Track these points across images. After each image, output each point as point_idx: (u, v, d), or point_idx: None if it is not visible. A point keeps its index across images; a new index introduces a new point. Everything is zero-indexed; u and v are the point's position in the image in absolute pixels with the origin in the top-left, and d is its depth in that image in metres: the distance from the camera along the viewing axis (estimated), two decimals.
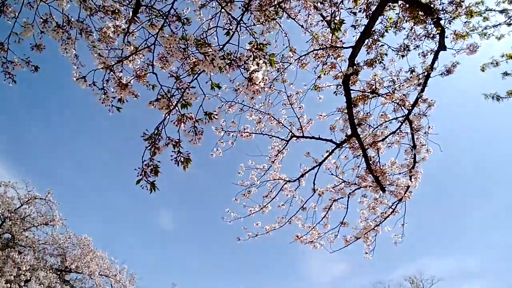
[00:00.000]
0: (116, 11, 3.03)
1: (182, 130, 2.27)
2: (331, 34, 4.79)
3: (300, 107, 5.67)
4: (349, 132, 5.12)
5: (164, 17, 2.64)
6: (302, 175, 5.78)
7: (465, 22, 4.37)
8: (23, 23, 2.37)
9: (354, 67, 4.67)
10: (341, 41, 4.91)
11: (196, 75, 2.50)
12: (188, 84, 2.40)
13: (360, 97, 4.95)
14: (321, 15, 3.81)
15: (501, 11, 6.11)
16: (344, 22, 3.37)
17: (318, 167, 5.60)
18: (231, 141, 5.65)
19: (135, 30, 2.92)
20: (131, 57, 3.00)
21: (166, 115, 2.32)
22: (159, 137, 2.33)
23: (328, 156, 5.52)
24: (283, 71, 5.19)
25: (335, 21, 2.94)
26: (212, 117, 2.31)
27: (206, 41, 2.42)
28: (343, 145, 5.40)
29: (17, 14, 2.32)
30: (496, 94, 5.46)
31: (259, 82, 2.12)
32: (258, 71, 2.14)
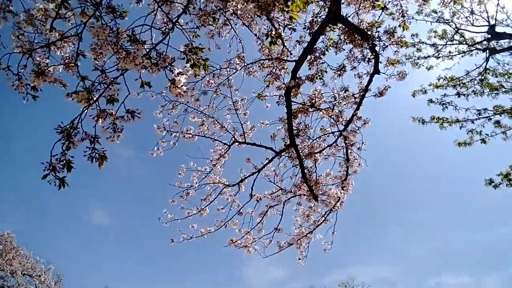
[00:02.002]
0: None
1: (99, 126, 2.20)
2: (281, 46, 4.97)
3: (245, 113, 5.77)
4: (288, 142, 5.32)
5: (96, 7, 2.56)
6: (242, 180, 5.87)
7: (395, 51, 4.79)
8: None
9: (296, 80, 4.89)
10: (291, 53, 5.12)
11: (123, 71, 2.45)
12: (113, 79, 2.34)
13: (301, 109, 5.17)
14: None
15: (432, 45, 6.80)
16: (282, 36, 3.52)
17: (257, 173, 5.72)
18: (173, 141, 5.57)
19: (65, 17, 2.79)
20: (59, 43, 2.85)
21: (85, 109, 2.23)
22: (75, 131, 2.24)
23: (267, 163, 5.66)
24: (229, 77, 5.25)
25: (272, 34, 3.05)
26: (135, 115, 2.28)
27: (138, 38, 2.38)
28: (283, 154, 5.58)
29: None
30: (422, 118, 6.02)
31: (181, 85, 2.13)
32: (182, 74, 2.16)
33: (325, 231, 6.12)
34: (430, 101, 6.34)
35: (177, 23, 2.68)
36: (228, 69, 5.17)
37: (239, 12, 3.20)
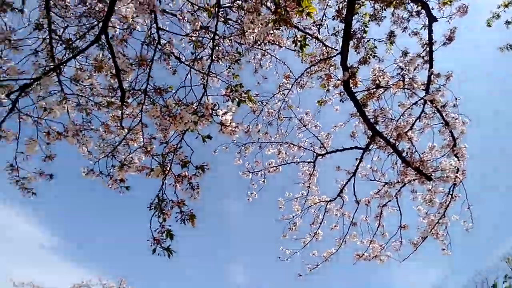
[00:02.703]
0: (110, 103, 3.36)
1: (179, 190, 2.38)
2: (322, 48, 4.85)
3: (315, 126, 5.62)
4: (370, 133, 4.93)
5: (145, 93, 2.89)
6: (341, 190, 5.56)
7: None
8: (26, 141, 2.73)
9: (349, 70, 4.62)
10: (332, 48, 4.94)
11: (183, 133, 2.64)
12: (175, 145, 2.54)
13: (367, 96, 4.81)
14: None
15: None
16: (307, 37, 3.43)
17: (353, 177, 5.37)
18: (261, 180, 5.68)
19: (127, 114, 3.20)
20: (134, 136, 3.28)
21: (163, 180, 2.45)
22: (165, 203, 2.44)
23: (359, 163, 5.29)
24: (285, 99, 5.27)
25: (297, 39, 3.00)
26: (204, 169, 2.40)
27: (183, 101, 2.59)
28: (371, 148, 5.17)
29: (18, 135, 2.68)
30: (509, 44, 5.03)
31: (231, 123, 2.19)
32: (227, 113, 2.23)
33: (458, 210, 5.28)
34: (508, 22, 5.25)
35: (210, 73, 2.85)
36: (280, 92, 5.21)
37: (261, 36, 3.26)
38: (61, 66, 3.09)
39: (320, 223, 5.72)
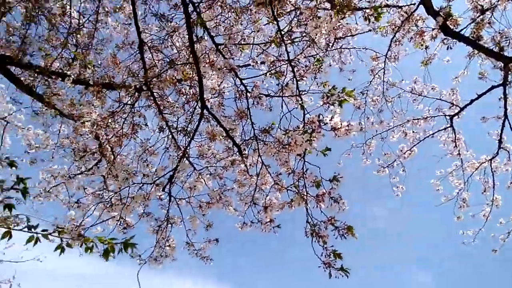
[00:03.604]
0: (233, 162, 3.71)
1: (325, 209, 2.38)
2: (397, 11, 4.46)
3: (433, 88, 4.96)
4: (501, 64, 4.06)
5: (255, 139, 3.11)
6: (500, 141, 4.59)
7: None
8: (189, 219, 3.21)
9: (441, 12, 4.04)
10: (413, 4, 4.47)
11: (302, 158, 2.69)
12: (301, 171, 2.60)
13: (476, 27, 4.07)
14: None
15: None
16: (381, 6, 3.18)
17: (505, 120, 4.40)
18: (401, 170, 5.20)
19: (250, 164, 3.46)
20: (263, 180, 3.52)
21: (306, 206, 2.49)
22: (317, 227, 2.47)
23: (506, 102, 4.35)
24: (383, 79, 4.88)
25: (369, 14, 2.83)
26: (338, 179, 2.37)
27: (290, 128, 2.68)
28: (510, 79, 4.23)
29: (182, 217, 3.17)
30: None
31: (341, 124, 2.15)
32: (333, 117, 2.20)
33: None
34: None
35: (301, 92, 2.92)
36: (376, 76, 4.87)
37: (330, 35, 3.21)
38: (187, 150, 3.64)
39: (494, 187, 4.77)
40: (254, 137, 3.24)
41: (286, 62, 3.17)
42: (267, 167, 3.20)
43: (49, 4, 3.58)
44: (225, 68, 3.19)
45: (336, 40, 4.51)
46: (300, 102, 2.90)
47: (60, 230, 1.72)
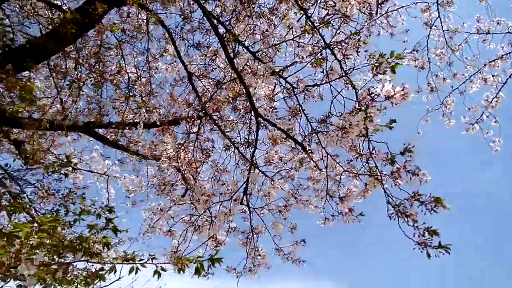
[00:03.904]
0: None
1: (404, 185, 2.18)
2: None
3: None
4: None
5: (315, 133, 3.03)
6: None
7: None
8: None
9: None
10: None
11: (366, 136, 2.54)
12: (368, 151, 2.44)
13: None
14: None
15: None
16: None
17: None
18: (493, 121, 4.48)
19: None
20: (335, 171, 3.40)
21: (383, 186, 2.32)
22: (402, 206, 2.28)
23: None
24: (443, 28, 4.32)
25: None
26: (411, 150, 2.16)
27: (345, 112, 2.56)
28: None
29: None
30: None
31: (394, 90, 1.96)
32: (384, 86, 2.03)
33: None
34: None
35: (348, 71, 2.77)
36: (432, 28, 4.35)
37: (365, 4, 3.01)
38: (254, 160, 3.74)
39: None
40: (313, 130, 3.17)
41: (325, 46, 3.06)
42: (333, 157, 3.08)
43: (108, 68, 4.13)
44: (267, 73, 3.22)
45: (380, 5, 4.19)
46: (348, 82, 2.75)
47: (152, 257, 1.92)
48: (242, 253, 3.39)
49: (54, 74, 3.88)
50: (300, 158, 3.61)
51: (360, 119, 2.27)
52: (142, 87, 4.34)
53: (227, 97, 4.28)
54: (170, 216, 3.80)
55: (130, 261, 1.88)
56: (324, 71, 3.10)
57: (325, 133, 3.07)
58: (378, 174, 2.40)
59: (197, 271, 2.05)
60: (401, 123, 2.23)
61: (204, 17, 3.77)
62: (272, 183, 3.60)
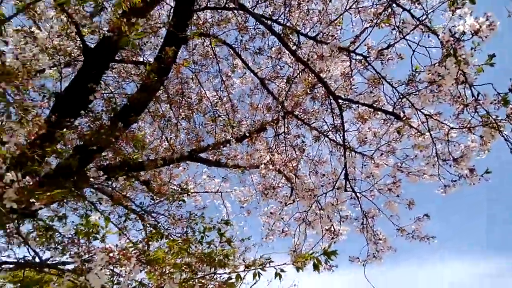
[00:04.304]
0: None
1: None
2: None
3: None
4: None
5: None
6: None
7: None
8: None
9: None
10: None
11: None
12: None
13: None
14: None
15: None
16: None
17: None
18: None
19: None
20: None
21: None
22: None
23: None
24: None
25: None
26: None
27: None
28: None
29: None
30: None
31: (479, 24, 1.63)
32: (465, 22, 1.70)
33: None
34: None
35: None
36: None
37: None
38: (346, 144, 3.59)
39: None
40: (401, 95, 2.88)
41: (389, 0, 2.76)
42: (434, 117, 2.73)
43: (192, 98, 4.58)
44: (333, 52, 3.08)
45: None
46: (426, 29, 2.42)
47: (269, 260, 2.03)
48: (363, 240, 3.27)
49: (154, 118, 4.50)
50: (396, 128, 3.31)
51: (451, 66, 1.97)
52: (224, 105, 4.65)
53: (303, 90, 4.24)
54: (281, 217, 3.94)
55: (252, 267, 2.02)
56: (395, 27, 2.80)
57: (416, 94, 2.74)
58: (493, 120, 2.03)
59: (316, 267, 2.07)
60: (499, 57, 1.82)
61: (257, 22, 3.84)
62: (373, 161, 3.39)
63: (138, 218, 4.17)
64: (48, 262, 2.03)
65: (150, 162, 4.58)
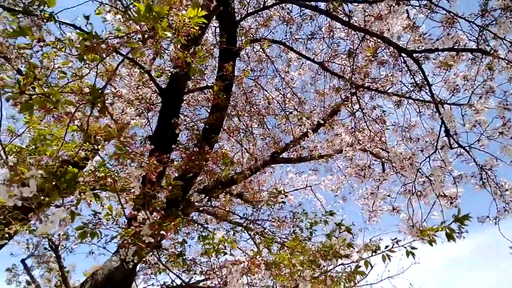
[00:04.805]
0: None
1: None
2: None
3: None
4: None
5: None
6: None
7: None
8: None
9: None
10: None
11: None
12: None
13: None
14: None
15: None
16: None
17: None
18: None
19: None
20: None
21: None
22: None
23: None
24: None
25: None
26: None
27: None
28: None
29: None
30: None
31: None
32: None
33: None
34: None
35: None
36: None
37: None
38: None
39: None
40: (481, 27, 2.51)
41: None
42: None
43: (259, 105, 4.67)
44: (392, 7, 2.86)
45: None
46: None
47: (395, 240, 1.92)
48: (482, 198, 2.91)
49: (230, 134, 4.70)
50: (486, 65, 2.90)
51: None
52: (292, 101, 4.64)
53: (366, 59, 4.00)
54: (386, 195, 3.74)
55: (378, 251, 1.95)
56: None
57: (494, 24, 2.38)
58: None
59: (449, 236, 1.91)
60: None
61: (301, 8, 3.76)
62: (473, 107, 3.02)
63: (244, 229, 4.37)
64: (190, 283, 2.24)
65: (238, 175, 4.78)
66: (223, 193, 4.31)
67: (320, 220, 2.97)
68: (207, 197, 3.79)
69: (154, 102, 3.59)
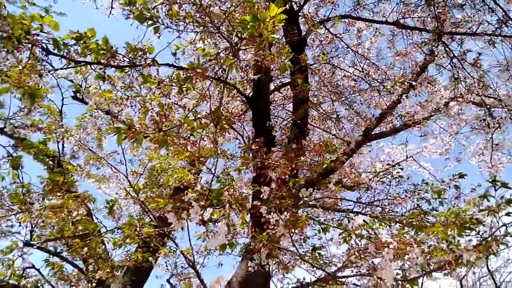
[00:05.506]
0: None
1: None
2: None
3: None
4: None
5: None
6: None
7: None
8: None
9: None
10: None
11: None
12: None
13: None
14: None
15: None
16: None
17: None
18: None
19: None
20: None
21: None
22: None
23: None
24: None
25: None
26: None
27: None
28: None
29: None
30: None
31: None
32: None
33: None
34: None
35: None
36: None
37: None
38: None
39: None
40: None
41: None
42: None
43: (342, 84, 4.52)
44: None
45: None
46: None
47: None
48: None
49: (318, 123, 4.63)
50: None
51: None
52: (377, 72, 4.37)
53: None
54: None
55: None
56: None
57: None
58: None
59: None
60: None
61: None
62: None
63: (356, 214, 4.23)
64: (338, 274, 2.24)
65: (335, 163, 4.66)
66: (327, 183, 4.24)
67: (449, 187, 2.71)
68: (314, 190, 3.77)
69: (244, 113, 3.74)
